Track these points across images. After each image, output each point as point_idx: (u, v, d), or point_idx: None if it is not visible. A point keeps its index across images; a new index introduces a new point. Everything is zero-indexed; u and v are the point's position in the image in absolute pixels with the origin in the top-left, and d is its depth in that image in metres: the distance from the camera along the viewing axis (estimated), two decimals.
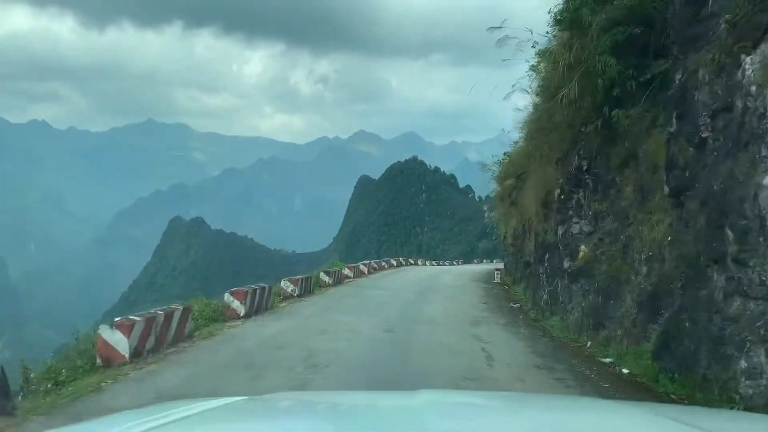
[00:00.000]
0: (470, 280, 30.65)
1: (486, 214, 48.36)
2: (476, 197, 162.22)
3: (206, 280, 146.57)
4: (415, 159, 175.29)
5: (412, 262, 55.82)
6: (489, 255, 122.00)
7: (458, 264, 73.68)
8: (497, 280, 29.16)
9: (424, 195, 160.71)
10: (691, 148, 7.54)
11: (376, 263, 39.40)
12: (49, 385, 8.04)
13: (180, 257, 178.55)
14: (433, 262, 68.91)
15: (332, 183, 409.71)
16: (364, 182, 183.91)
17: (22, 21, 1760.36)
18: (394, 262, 46.10)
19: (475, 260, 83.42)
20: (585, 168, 12.51)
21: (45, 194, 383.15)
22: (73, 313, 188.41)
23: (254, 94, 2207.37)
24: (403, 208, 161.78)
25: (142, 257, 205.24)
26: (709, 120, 7.09)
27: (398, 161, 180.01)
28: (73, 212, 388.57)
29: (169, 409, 2.10)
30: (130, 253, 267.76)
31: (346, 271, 29.05)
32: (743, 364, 5.95)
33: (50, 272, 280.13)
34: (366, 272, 32.56)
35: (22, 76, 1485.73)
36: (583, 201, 12.67)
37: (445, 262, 75.80)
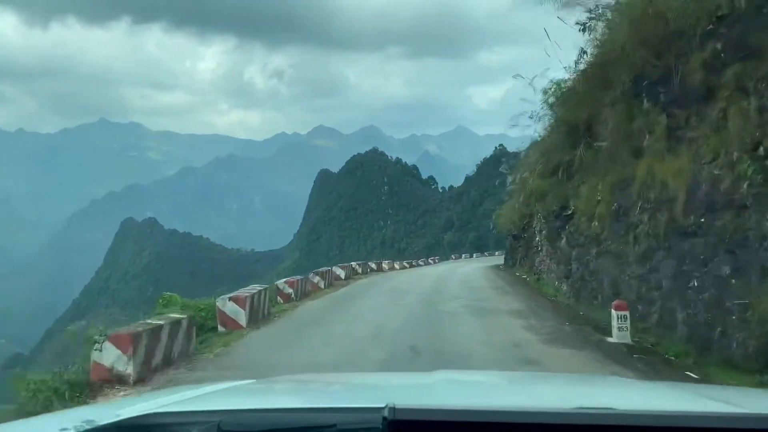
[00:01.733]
0: None
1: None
2: (439, 188, 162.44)
3: (160, 283, 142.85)
4: (375, 150, 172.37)
5: (386, 267, 40.69)
6: (455, 247, 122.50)
7: (460, 259, 62.10)
8: None
9: (386, 187, 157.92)
10: None
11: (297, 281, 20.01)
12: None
13: (133, 260, 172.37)
14: (420, 262, 55.15)
15: (292, 179, 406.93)
16: (324, 176, 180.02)
17: None
18: (358, 268, 31.93)
19: (486, 253, 71.11)
20: None
21: None
22: (26, 322, 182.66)
23: (209, 90, 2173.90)
24: (365, 202, 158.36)
25: (97, 261, 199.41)
26: None
27: (358, 153, 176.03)
28: (24, 217, 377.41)
29: (175, 392, 2.15)
30: (85, 257, 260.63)
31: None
32: None
33: (1, 280, 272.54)
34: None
35: None
36: None
37: (444, 261, 61.67)
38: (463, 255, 72.65)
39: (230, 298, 12.56)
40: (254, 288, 14.16)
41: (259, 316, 13.61)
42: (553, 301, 16.75)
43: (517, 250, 30.92)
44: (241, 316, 12.46)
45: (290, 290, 18.23)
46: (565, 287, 17.25)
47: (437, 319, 13.25)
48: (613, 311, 10.25)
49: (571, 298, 16.00)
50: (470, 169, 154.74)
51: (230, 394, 2.02)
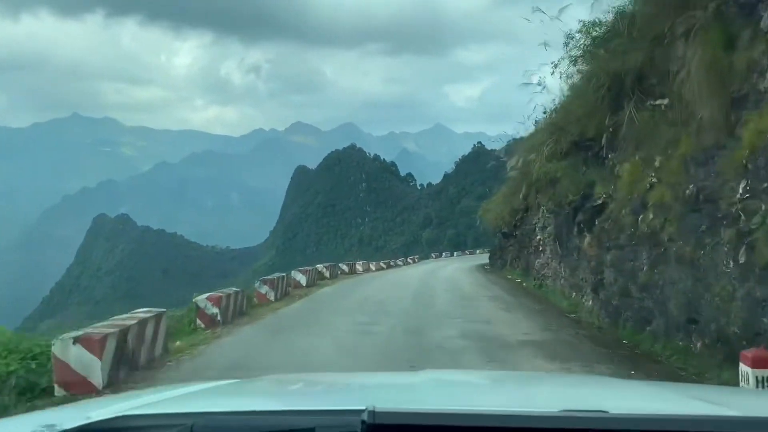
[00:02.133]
0: None
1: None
2: (417, 185, 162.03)
3: (133, 280, 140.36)
4: (353, 147, 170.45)
5: (360, 269, 35.96)
6: (434, 244, 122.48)
7: (440, 258, 59.15)
8: None
9: (364, 184, 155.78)
10: None
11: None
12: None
13: (105, 257, 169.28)
14: (399, 261, 50.75)
15: (270, 175, 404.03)
16: (301, 172, 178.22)
17: None
18: (325, 272, 27.91)
19: (466, 251, 69.66)
20: None
21: None
22: None
23: (185, 86, 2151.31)
24: (343, 198, 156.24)
25: (69, 258, 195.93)
26: None
27: (336, 149, 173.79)
28: None
29: (148, 393, 2.10)
30: (57, 254, 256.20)
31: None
32: None
33: None
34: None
35: None
36: None
37: (425, 260, 58.67)
38: (443, 253, 69.60)
39: (77, 340, 7.34)
40: (132, 316, 9.00)
41: (130, 366, 8.23)
42: (575, 320, 12.79)
43: (506, 250, 28.41)
44: (94, 370, 7.31)
45: (214, 310, 12.49)
46: (590, 302, 13.22)
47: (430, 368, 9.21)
48: (747, 369, 5.60)
49: (604, 318, 11.86)
50: (448, 166, 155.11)
51: (206, 396, 1.96)
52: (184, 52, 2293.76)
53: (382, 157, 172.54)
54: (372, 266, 39.25)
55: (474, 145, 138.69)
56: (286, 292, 18.90)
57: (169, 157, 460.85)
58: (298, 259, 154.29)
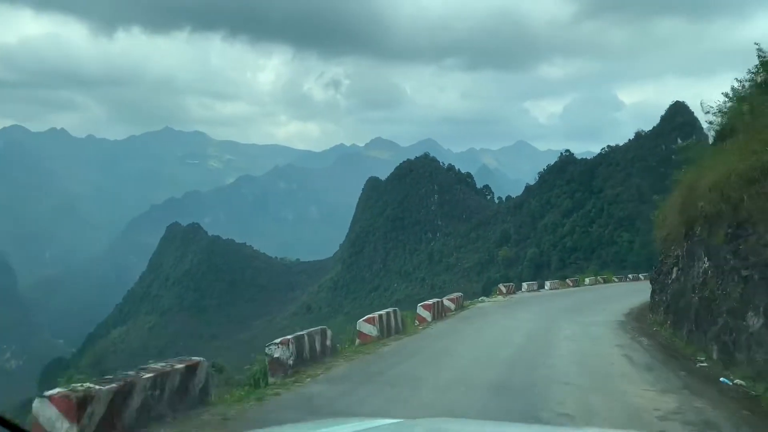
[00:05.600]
0: None
1: None
2: (495, 198, 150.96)
3: (199, 291, 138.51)
4: (426, 156, 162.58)
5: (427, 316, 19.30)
6: (511, 264, 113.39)
7: None
8: None
9: (436, 196, 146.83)
10: None
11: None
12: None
13: (174, 266, 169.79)
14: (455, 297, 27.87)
15: (348, 190, 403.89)
16: (372, 184, 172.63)
17: (35, 28, 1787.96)
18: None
19: (568, 280, 47.40)
20: None
21: (61, 202, 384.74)
22: (83, 323, 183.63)
23: (269, 101, 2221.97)
24: (413, 211, 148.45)
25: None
26: None
27: (408, 159, 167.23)
28: (88, 220, 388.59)
29: (328, 425, 2.20)
30: (140, 262, 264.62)
31: None
32: None
33: (63, 281, 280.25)
34: None
35: (38, 84, 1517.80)
36: None
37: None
38: (546, 284, 40.43)
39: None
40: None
41: None
42: None
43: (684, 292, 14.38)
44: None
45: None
46: None
47: None
48: None
49: None
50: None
51: None
52: (268, 69, 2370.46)
53: (457, 167, 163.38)
54: (450, 303, 22.93)
55: (561, 153, 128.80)
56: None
57: (253, 170, 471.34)
58: (365, 274, 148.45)
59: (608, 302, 26.05)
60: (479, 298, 30.64)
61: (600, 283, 42.22)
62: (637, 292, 26.54)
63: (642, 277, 47.78)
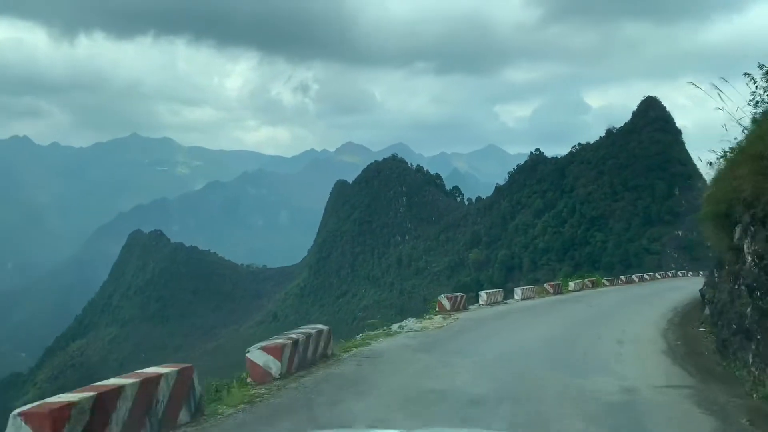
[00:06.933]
0: None
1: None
2: (465, 200, 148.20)
3: (162, 301, 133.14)
4: (394, 157, 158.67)
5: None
6: (482, 267, 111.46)
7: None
8: None
9: (404, 198, 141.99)
10: None
11: None
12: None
13: (136, 275, 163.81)
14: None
15: (318, 195, 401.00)
16: (340, 187, 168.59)
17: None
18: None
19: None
20: None
21: (24, 212, 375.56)
22: (46, 335, 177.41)
23: (237, 106, 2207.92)
24: (381, 214, 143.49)
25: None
26: None
27: (375, 161, 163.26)
28: (52, 230, 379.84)
29: None
30: (106, 271, 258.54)
31: None
32: None
33: (26, 292, 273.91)
34: None
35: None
36: None
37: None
38: (518, 290, 20.87)
39: None
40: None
41: None
42: None
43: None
44: None
45: None
46: None
47: None
48: None
49: None
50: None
51: None
52: (235, 73, 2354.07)
53: (425, 168, 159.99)
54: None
55: (531, 152, 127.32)
56: None
57: (222, 176, 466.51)
58: (332, 280, 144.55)
59: (623, 331, 14.64)
60: (398, 324, 16.33)
61: (588, 287, 33.65)
62: (649, 301, 23.09)
63: (636, 279, 43.57)
